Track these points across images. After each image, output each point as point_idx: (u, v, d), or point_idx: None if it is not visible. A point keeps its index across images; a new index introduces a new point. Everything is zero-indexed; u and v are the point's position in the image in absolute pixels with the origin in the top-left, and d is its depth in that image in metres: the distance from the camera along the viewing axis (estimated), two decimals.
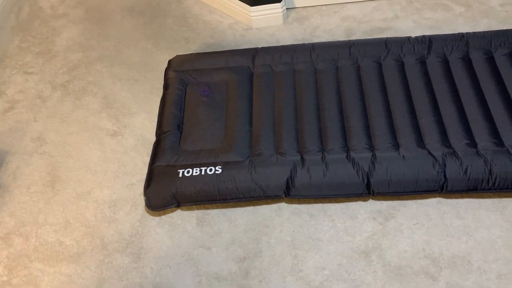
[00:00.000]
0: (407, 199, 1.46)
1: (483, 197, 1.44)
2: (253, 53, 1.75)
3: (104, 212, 1.56)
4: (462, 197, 1.44)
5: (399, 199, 1.47)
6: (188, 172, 1.42)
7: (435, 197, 1.45)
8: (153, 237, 1.49)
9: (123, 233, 1.51)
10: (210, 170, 1.42)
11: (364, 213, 1.45)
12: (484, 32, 1.67)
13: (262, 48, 1.77)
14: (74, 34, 2.18)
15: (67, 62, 2.06)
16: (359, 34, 1.99)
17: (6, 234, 1.54)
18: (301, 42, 2.00)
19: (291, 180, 1.39)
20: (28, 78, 2.01)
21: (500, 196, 1.43)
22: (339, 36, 2.00)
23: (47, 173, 1.68)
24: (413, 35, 1.92)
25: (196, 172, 1.42)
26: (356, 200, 1.48)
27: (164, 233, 1.49)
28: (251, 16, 2.07)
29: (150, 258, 1.45)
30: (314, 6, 2.15)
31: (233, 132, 1.53)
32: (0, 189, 1.65)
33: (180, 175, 1.42)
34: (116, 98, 1.90)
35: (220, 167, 1.42)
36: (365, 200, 1.48)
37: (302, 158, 1.43)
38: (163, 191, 1.42)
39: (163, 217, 1.53)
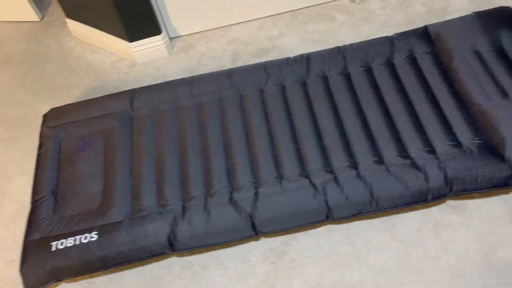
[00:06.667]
0: (297, 231, 1.41)
1: (372, 217, 1.41)
2: (131, 95, 1.65)
3: None
4: (351, 220, 1.41)
5: (289, 233, 1.41)
6: (61, 243, 1.31)
7: (325, 224, 1.41)
8: None
9: None
10: (85, 238, 1.31)
11: (257, 254, 1.39)
12: (359, 43, 1.65)
13: (140, 88, 1.67)
14: None
15: None
16: (245, 57, 1.93)
17: None
18: (188, 73, 1.92)
19: (173, 235, 1.31)
20: None
21: (388, 214, 1.41)
22: (226, 61, 1.94)
23: None
24: (297, 53, 1.90)
25: (70, 243, 1.31)
26: (248, 241, 1.42)
27: None
28: (132, 52, 1.96)
29: None
30: (199, 32, 2.07)
31: (111, 188, 1.43)
32: None
33: (53, 249, 1.30)
34: None
35: (96, 232, 1.32)
36: (257, 240, 1.42)
37: (183, 207, 1.34)
38: (38, 269, 1.30)
39: None
